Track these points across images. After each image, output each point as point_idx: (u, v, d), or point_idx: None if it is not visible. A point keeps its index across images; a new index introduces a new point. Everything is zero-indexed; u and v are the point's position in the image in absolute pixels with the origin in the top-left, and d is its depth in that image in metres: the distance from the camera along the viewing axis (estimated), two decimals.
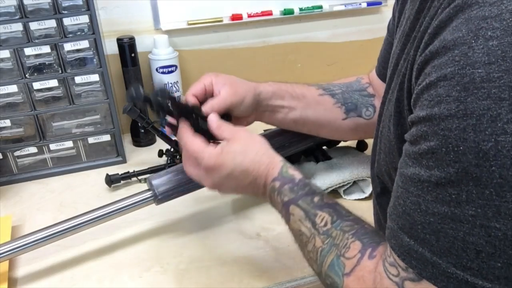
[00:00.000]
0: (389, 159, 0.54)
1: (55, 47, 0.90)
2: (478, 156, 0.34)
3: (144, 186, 0.77)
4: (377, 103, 0.81)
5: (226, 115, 0.68)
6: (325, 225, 0.53)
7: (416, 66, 0.42)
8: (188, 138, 0.63)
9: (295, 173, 0.59)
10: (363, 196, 0.86)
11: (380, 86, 0.80)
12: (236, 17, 1.13)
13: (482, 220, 0.35)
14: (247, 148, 0.60)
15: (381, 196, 0.64)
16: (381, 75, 0.79)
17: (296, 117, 0.77)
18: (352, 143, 0.99)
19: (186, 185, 0.74)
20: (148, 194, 0.74)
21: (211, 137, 0.64)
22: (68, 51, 0.91)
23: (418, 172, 0.39)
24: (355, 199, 0.86)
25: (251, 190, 0.62)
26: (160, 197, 0.73)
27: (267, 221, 0.81)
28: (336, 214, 0.54)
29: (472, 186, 0.35)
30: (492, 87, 0.34)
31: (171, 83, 1.09)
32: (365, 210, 0.78)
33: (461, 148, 0.35)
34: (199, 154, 0.61)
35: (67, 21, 0.89)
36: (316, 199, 0.56)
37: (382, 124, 0.57)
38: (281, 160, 0.60)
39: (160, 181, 0.74)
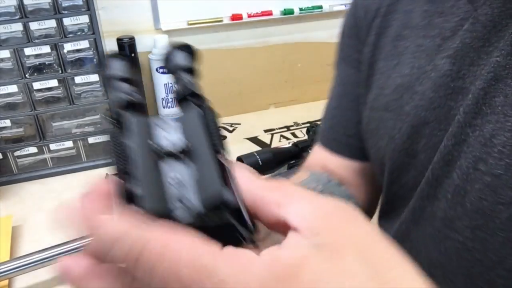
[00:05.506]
0: None
1: (55, 47, 0.90)
2: None
3: None
4: None
5: None
6: None
7: None
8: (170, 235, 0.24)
9: None
10: None
11: (330, 159, 0.60)
12: (236, 17, 1.13)
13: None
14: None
15: None
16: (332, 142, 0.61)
17: None
18: None
19: None
20: None
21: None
22: (68, 51, 0.91)
23: None
24: None
25: None
26: None
27: None
28: None
29: None
30: None
31: (171, 83, 1.09)
32: None
33: None
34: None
35: (67, 21, 0.89)
36: None
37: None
38: None
39: None
